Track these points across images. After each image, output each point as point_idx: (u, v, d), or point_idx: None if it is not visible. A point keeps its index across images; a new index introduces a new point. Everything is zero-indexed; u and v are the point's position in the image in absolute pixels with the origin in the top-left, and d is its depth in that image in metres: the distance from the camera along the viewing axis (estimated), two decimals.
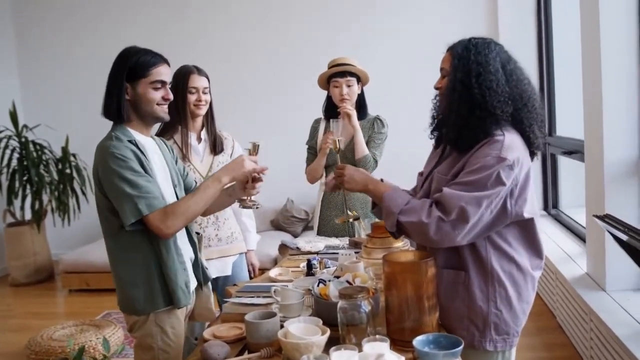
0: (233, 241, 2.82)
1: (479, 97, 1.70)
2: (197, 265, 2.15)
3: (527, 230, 1.77)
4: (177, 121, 2.63)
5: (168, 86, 2.01)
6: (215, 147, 2.75)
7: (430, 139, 1.95)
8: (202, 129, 2.75)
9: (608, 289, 3.08)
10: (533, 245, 1.79)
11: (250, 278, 2.93)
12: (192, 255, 2.14)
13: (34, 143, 5.68)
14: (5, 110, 5.67)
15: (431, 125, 1.93)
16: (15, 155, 5.62)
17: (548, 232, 4.43)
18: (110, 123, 2.01)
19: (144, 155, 1.95)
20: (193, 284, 2.11)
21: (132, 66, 1.93)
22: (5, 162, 5.54)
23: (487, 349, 1.77)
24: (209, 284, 2.26)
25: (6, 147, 5.56)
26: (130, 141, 1.94)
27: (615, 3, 2.94)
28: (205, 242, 2.68)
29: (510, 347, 1.80)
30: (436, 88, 1.87)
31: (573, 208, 4.56)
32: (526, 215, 1.72)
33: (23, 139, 5.64)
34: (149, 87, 1.95)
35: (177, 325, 2.02)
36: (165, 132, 2.69)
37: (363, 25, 5.71)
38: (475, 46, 1.75)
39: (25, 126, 5.73)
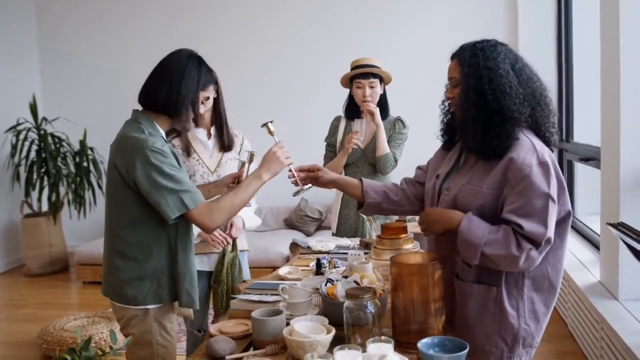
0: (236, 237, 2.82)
1: (494, 103, 1.67)
2: None
3: (563, 230, 1.73)
4: None
5: None
6: (224, 144, 2.75)
7: (441, 140, 1.93)
8: (212, 126, 2.76)
9: (621, 297, 3.04)
10: (562, 251, 1.76)
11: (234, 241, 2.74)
12: None
13: (53, 136, 5.76)
14: (26, 102, 5.75)
15: (442, 130, 1.91)
16: (34, 147, 5.71)
17: None
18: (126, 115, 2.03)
19: (173, 153, 1.98)
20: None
21: (200, 75, 2.00)
22: (24, 153, 5.63)
23: None
24: None
25: (25, 139, 5.65)
26: (161, 137, 1.97)
27: (635, 9, 2.90)
28: None
29: (529, 358, 1.82)
30: (448, 98, 1.83)
31: (588, 216, 4.51)
32: (567, 208, 1.72)
33: (42, 132, 5.72)
34: (201, 99, 2.04)
35: (174, 320, 2.06)
36: (174, 130, 2.70)
37: (376, 25, 5.67)
38: (482, 51, 1.71)
39: (44, 119, 5.81)
